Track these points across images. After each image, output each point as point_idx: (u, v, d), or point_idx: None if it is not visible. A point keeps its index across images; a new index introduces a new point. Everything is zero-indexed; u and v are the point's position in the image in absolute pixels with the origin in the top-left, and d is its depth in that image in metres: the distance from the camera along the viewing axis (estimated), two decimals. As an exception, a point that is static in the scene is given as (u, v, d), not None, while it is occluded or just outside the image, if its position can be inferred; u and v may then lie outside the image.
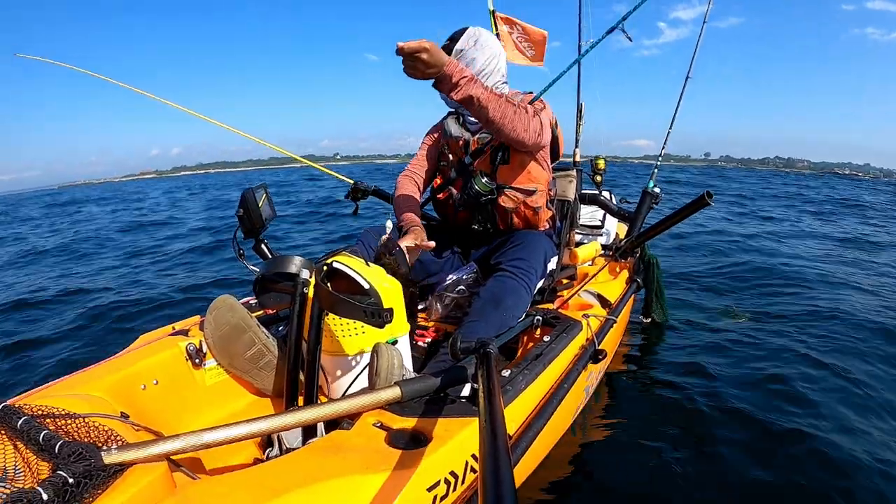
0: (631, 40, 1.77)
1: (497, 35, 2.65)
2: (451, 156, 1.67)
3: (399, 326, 1.20)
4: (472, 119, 1.63)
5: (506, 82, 1.63)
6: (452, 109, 1.71)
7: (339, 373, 1.19)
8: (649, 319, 2.63)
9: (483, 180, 1.56)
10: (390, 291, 1.14)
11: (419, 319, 1.75)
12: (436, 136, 1.76)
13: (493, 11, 2.62)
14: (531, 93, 1.67)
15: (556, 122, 1.68)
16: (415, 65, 1.14)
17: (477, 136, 1.61)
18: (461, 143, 1.63)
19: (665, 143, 2.65)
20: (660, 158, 2.61)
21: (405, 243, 1.37)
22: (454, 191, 1.67)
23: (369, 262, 1.16)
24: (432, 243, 1.40)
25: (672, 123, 2.61)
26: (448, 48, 1.51)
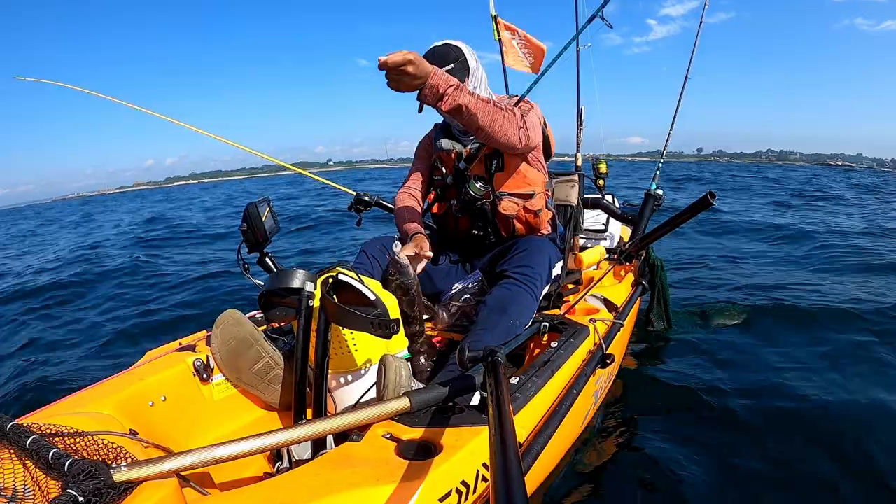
0: (611, 27, 1.79)
1: (499, 41, 2.65)
2: (443, 168, 1.67)
3: (398, 342, 1.20)
4: (464, 136, 1.62)
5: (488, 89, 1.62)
6: (440, 122, 1.72)
7: (346, 385, 1.19)
8: (650, 327, 2.59)
9: (477, 185, 1.55)
10: (392, 304, 1.14)
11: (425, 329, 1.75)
12: (426, 150, 1.76)
13: (496, 17, 2.63)
14: (516, 96, 1.68)
15: (544, 122, 1.68)
16: (400, 78, 1.10)
17: (469, 146, 1.61)
18: (453, 154, 1.63)
19: (666, 145, 2.65)
20: (661, 160, 2.61)
21: (406, 252, 1.38)
22: (452, 201, 1.67)
23: (362, 276, 1.16)
24: (430, 253, 1.42)
25: (672, 125, 2.62)
26: (439, 63, 1.47)
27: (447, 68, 1.42)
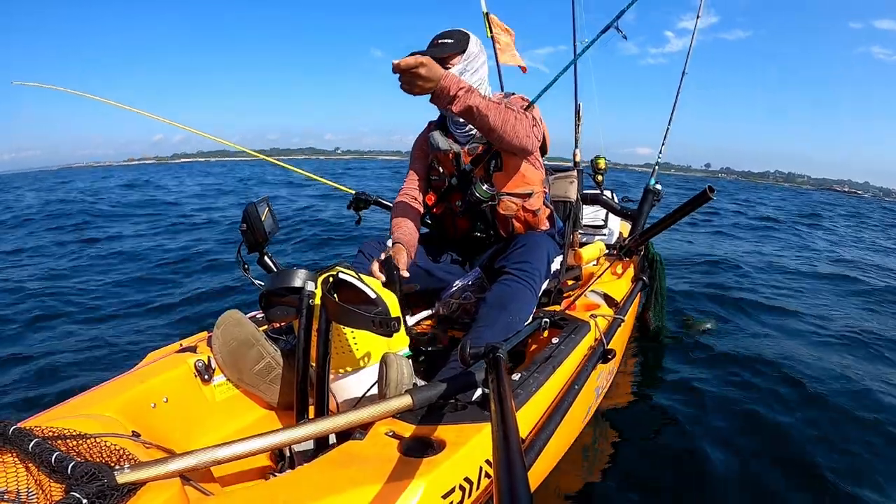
0: (626, 38, 1.76)
1: (491, 38, 2.64)
2: (441, 168, 1.65)
3: (399, 340, 1.20)
4: (459, 129, 1.60)
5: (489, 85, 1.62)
6: (435, 120, 1.70)
7: (347, 384, 1.19)
8: (649, 321, 2.58)
9: (483, 187, 1.54)
10: (392, 302, 1.14)
11: (425, 327, 1.75)
12: (422, 150, 1.73)
13: (487, 14, 2.62)
14: (514, 94, 1.64)
15: (540, 119, 1.67)
16: (412, 80, 1.15)
17: (467, 146, 1.59)
18: (451, 155, 1.61)
19: (665, 139, 2.64)
20: (660, 155, 2.61)
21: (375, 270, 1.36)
22: (456, 203, 1.66)
23: (361, 275, 1.16)
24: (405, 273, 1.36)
25: (671, 119, 2.61)
26: (449, 48, 1.46)
27: (445, 41, 1.46)
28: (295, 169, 2.70)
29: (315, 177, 2.63)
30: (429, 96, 1.24)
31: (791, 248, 6.29)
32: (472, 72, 1.48)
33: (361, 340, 1.15)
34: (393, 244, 1.50)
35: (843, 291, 3.90)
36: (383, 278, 1.29)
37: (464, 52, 1.47)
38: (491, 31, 2.64)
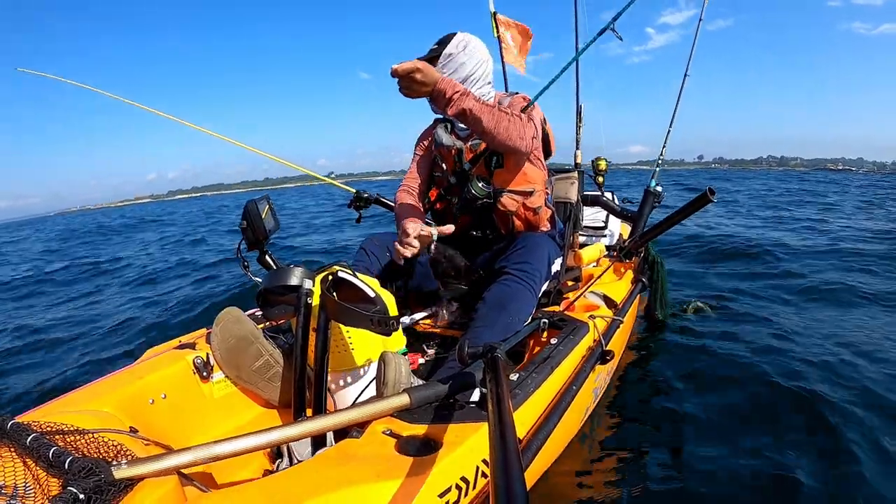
0: (621, 39, 1.78)
1: (498, 38, 2.63)
2: (444, 165, 1.67)
3: (396, 339, 1.20)
4: (462, 126, 1.62)
5: (490, 83, 1.62)
6: (440, 117, 1.72)
7: (345, 383, 1.19)
8: (651, 322, 2.60)
9: (479, 185, 1.55)
10: (391, 301, 1.14)
11: (425, 326, 1.75)
12: (425, 144, 1.75)
13: (495, 14, 2.61)
14: (518, 93, 1.65)
15: (544, 120, 1.69)
16: (410, 84, 1.20)
17: (469, 143, 1.60)
18: (454, 151, 1.62)
19: (666, 142, 2.64)
20: (661, 158, 2.60)
21: (411, 233, 1.34)
22: (453, 199, 1.67)
23: (357, 273, 1.16)
24: (430, 231, 1.35)
25: (672, 121, 2.61)
26: (437, 52, 1.51)
27: (433, 47, 1.53)
28: (323, 178, 2.71)
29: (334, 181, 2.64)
30: (429, 101, 1.29)
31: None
32: (450, 72, 1.51)
33: (359, 339, 1.15)
34: (410, 221, 1.49)
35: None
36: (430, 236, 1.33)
37: (439, 56, 1.51)
38: (497, 31, 2.63)
